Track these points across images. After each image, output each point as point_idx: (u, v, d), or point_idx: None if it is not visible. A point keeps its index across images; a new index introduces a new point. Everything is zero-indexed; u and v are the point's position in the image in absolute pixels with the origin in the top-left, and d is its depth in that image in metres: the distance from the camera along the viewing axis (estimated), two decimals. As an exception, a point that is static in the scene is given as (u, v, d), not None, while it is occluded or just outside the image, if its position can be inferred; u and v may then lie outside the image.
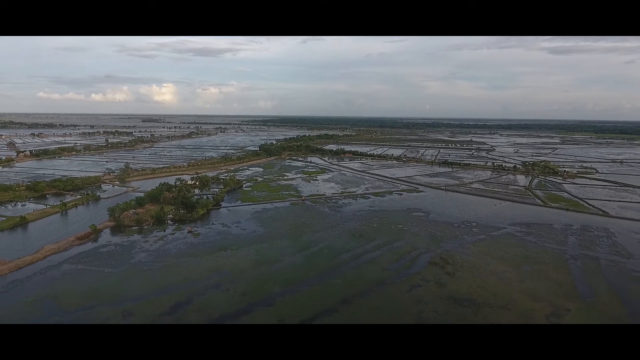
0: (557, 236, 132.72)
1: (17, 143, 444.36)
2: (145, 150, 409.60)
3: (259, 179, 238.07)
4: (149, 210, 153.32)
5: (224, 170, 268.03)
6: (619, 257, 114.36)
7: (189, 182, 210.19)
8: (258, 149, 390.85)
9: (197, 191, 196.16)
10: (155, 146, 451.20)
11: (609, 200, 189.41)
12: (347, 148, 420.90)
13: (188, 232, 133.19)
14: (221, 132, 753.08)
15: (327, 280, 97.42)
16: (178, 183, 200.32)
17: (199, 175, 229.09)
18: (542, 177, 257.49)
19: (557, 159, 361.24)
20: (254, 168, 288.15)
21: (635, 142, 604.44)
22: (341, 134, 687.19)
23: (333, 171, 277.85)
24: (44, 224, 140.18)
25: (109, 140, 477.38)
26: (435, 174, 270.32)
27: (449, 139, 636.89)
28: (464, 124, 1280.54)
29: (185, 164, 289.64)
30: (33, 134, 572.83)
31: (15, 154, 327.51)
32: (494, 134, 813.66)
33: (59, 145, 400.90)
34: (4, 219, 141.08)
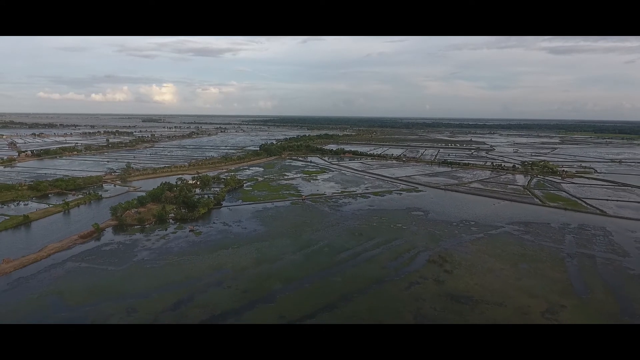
0: (555, 235, 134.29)
1: (18, 143, 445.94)
2: (146, 150, 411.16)
3: (260, 179, 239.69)
4: (150, 209, 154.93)
5: (224, 170, 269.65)
6: (615, 255, 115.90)
7: (190, 181, 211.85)
8: (258, 148, 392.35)
9: (198, 191, 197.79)
10: (156, 146, 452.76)
11: (607, 200, 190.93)
12: (347, 148, 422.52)
13: (190, 231, 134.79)
14: (221, 132, 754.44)
15: (327, 277, 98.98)
16: (179, 183, 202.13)
17: (200, 174, 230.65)
18: (541, 176, 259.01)
19: (556, 159, 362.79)
20: (254, 168, 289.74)
21: (635, 142, 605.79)
22: (341, 134, 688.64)
23: (333, 171, 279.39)
24: (47, 223, 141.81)
25: (110, 140, 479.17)
26: (434, 173, 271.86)
27: (449, 138, 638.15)
28: (463, 123, 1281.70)
29: (186, 163, 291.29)
30: (34, 134, 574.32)
31: (17, 153, 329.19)
32: (493, 133, 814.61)
33: (60, 145, 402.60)
34: (7, 218, 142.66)
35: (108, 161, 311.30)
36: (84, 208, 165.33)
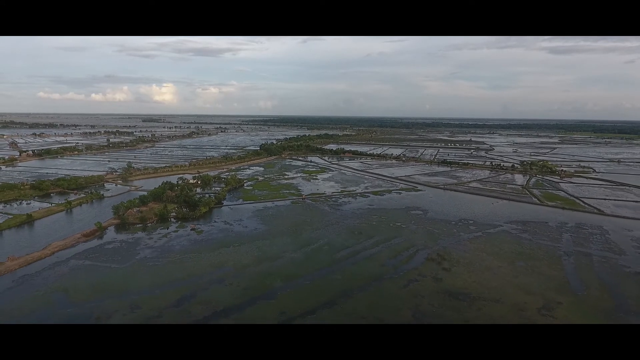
0: (552, 233, 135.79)
1: (19, 143, 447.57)
2: (146, 149, 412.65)
3: (260, 178, 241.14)
4: (152, 208, 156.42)
5: (225, 170, 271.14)
6: (612, 253, 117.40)
7: (191, 181, 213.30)
8: (259, 148, 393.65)
9: (199, 190, 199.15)
10: (157, 146, 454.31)
11: (605, 199, 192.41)
12: (347, 148, 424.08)
13: (191, 229, 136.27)
14: (222, 132, 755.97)
15: (327, 275, 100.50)
16: (180, 182, 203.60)
17: (201, 174, 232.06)
18: (540, 176, 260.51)
19: (555, 159, 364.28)
20: (254, 167, 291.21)
21: (635, 142, 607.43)
22: (341, 134, 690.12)
23: (333, 170, 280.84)
24: (50, 222, 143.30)
25: (111, 140, 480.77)
26: (434, 173, 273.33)
27: (449, 138, 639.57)
28: (463, 123, 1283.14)
29: (187, 163, 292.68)
30: (34, 134, 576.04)
31: (19, 153, 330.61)
32: (493, 133, 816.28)
33: (61, 145, 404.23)
34: (10, 216, 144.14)
35: (109, 161, 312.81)
36: (86, 207, 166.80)
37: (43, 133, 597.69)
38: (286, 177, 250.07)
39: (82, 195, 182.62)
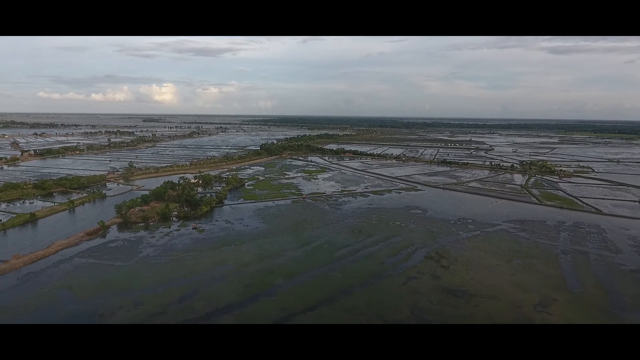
0: (550, 232, 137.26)
1: (20, 142, 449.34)
2: (147, 149, 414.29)
3: (261, 178, 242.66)
4: (154, 207, 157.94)
5: (225, 169, 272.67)
6: (608, 252, 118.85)
7: (192, 180, 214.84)
8: (259, 148, 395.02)
9: (200, 189, 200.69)
10: (158, 145, 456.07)
11: (603, 199, 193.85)
12: (347, 147, 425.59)
13: (193, 228, 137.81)
14: (222, 132, 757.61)
15: (327, 273, 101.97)
16: (181, 181, 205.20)
17: (202, 174, 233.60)
18: (539, 176, 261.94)
19: (554, 159, 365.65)
20: (255, 167, 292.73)
21: (634, 142, 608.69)
22: (341, 134, 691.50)
23: (333, 170, 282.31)
24: (53, 221, 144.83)
25: (112, 140, 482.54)
26: (433, 173, 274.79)
27: (449, 138, 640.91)
28: (463, 123, 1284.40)
29: (188, 163, 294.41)
30: (35, 134, 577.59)
31: (20, 153, 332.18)
32: (493, 133, 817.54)
33: (62, 145, 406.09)
34: (14, 215, 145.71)
35: (110, 160, 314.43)
36: (88, 206, 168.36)
37: (44, 133, 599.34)
38: (287, 176, 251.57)
39: (85, 194, 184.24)
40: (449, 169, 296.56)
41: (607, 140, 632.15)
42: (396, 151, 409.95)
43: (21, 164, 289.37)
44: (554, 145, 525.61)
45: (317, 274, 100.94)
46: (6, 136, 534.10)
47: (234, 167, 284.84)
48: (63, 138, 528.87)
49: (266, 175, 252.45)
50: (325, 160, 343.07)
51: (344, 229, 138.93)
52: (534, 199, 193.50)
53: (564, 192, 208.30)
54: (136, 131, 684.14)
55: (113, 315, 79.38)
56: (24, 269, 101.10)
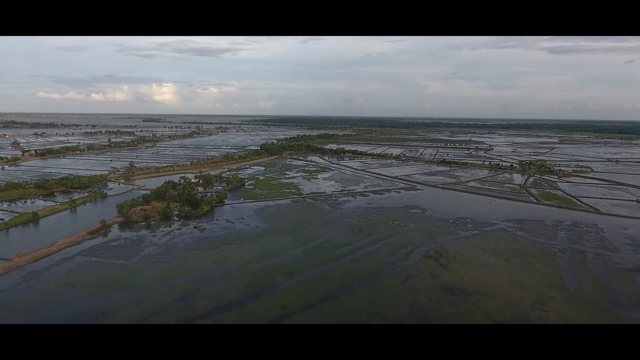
0: (548, 231, 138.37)
1: (20, 142, 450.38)
2: (148, 149, 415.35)
3: (261, 178, 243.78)
4: (155, 207, 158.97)
5: (226, 169, 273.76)
6: (605, 250, 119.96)
7: (193, 180, 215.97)
8: (259, 148, 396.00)
9: (200, 189, 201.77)
10: (158, 145, 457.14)
11: (601, 198, 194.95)
12: (347, 147, 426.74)
13: (194, 227, 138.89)
14: (222, 131, 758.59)
15: (327, 271, 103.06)
16: (182, 181, 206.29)
17: (202, 173, 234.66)
18: (538, 175, 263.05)
19: (554, 158, 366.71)
20: (255, 167, 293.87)
21: (634, 141, 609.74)
22: (341, 134, 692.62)
23: (333, 170, 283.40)
24: (55, 220, 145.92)
25: (112, 140, 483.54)
26: (433, 172, 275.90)
27: (448, 138, 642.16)
28: (463, 123, 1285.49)
29: (188, 163, 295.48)
30: (36, 134, 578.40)
31: (21, 153, 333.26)
32: (493, 133, 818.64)
33: (63, 145, 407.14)
34: (16, 215, 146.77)
35: (111, 160, 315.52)
36: (90, 205, 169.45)
37: (44, 133, 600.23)
38: (287, 176, 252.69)
39: (86, 194, 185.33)
40: (448, 168, 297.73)
41: (606, 140, 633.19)
42: (396, 151, 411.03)
43: (22, 163, 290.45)
44: (553, 145, 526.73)
45: (317, 273, 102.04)
46: (7, 136, 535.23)
47: (234, 167, 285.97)
48: (63, 138, 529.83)
49: (266, 175, 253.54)
50: (325, 160, 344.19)
51: (344, 228, 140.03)
52: (533, 198, 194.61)
53: (563, 192, 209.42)
54: (136, 131, 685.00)
55: (115, 313, 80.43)
56: (27, 267, 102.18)
